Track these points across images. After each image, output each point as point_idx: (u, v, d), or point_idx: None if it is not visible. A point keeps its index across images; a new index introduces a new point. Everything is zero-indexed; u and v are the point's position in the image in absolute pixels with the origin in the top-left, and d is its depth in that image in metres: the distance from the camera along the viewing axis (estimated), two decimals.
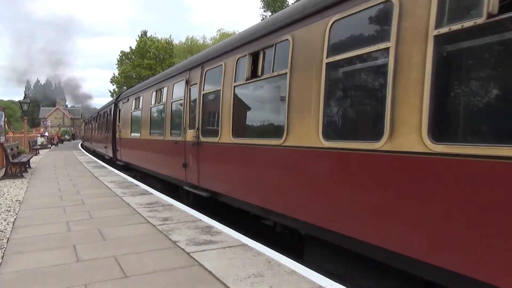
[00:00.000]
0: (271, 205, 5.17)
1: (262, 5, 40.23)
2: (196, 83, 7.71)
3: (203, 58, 7.71)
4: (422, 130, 3.11)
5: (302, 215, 4.53)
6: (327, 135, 4.14)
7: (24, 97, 23.65)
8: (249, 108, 6.46)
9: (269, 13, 37.92)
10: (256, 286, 3.36)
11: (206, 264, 3.92)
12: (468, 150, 2.82)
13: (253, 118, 6.45)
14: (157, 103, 10.57)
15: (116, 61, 57.37)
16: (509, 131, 2.78)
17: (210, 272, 3.71)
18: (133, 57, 54.98)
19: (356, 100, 4.24)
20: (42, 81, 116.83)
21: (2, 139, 13.79)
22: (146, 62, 52.20)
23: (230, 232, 5.20)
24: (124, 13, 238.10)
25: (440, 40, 3.07)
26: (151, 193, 8.67)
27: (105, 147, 18.94)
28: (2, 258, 4.28)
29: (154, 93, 10.78)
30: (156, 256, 4.28)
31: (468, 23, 2.86)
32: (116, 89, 54.66)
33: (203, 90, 7.43)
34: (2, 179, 11.74)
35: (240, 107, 6.30)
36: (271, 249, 4.46)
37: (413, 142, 3.19)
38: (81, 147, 37.01)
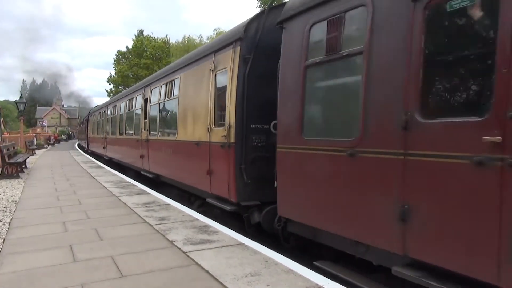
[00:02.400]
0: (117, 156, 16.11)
1: (259, 4, 40.19)
2: (104, 110, 20.45)
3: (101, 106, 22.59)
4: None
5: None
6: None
7: (20, 97, 23.59)
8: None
9: None
10: (253, 285, 3.36)
11: (203, 264, 3.92)
12: None
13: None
14: (98, 119, 22.50)
15: (112, 61, 57.28)
16: None
17: (207, 272, 3.71)
18: (130, 56, 54.80)
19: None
20: (38, 81, 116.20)
21: None
22: (143, 61, 52.03)
23: (227, 231, 5.20)
24: (119, 12, 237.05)
25: None
26: (148, 193, 8.66)
27: (85, 142, 30.98)
28: None
29: (98, 113, 22.67)
30: (153, 255, 4.27)
31: None
32: (113, 89, 54.49)
33: (108, 115, 18.33)
34: None
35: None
36: (268, 248, 4.47)
37: None
38: (78, 147, 37.02)
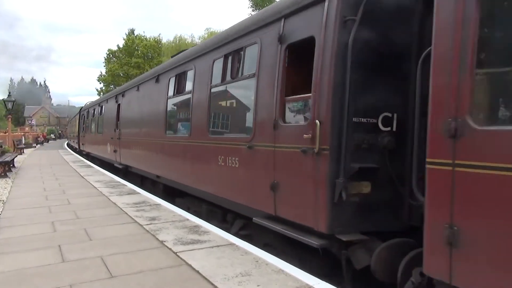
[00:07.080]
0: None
1: (251, 4, 40.19)
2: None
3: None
4: None
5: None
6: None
7: (8, 95, 23.27)
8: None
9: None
10: (244, 285, 3.38)
11: (194, 264, 3.92)
12: None
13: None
14: (73, 123, 33.40)
15: (103, 59, 56.71)
16: None
17: (198, 272, 3.71)
18: (121, 55, 54.30)
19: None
20: (27, 79, 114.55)
21: None
22: (134, 60, 51.56)
23: (218, 231, 5.20)
24: (109, 11, 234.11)
25: None
26: (139, 193, 8.61)
27: (68, 138, 44.92)
28: None
29: (74, 120, 33.37)
30: (143, 256, 4.26)
31: None
32: (104, 88, 53.97)
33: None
34: None
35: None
36: (259, 248, 4.48)
37: None
38: (67, 146, 36.63)
